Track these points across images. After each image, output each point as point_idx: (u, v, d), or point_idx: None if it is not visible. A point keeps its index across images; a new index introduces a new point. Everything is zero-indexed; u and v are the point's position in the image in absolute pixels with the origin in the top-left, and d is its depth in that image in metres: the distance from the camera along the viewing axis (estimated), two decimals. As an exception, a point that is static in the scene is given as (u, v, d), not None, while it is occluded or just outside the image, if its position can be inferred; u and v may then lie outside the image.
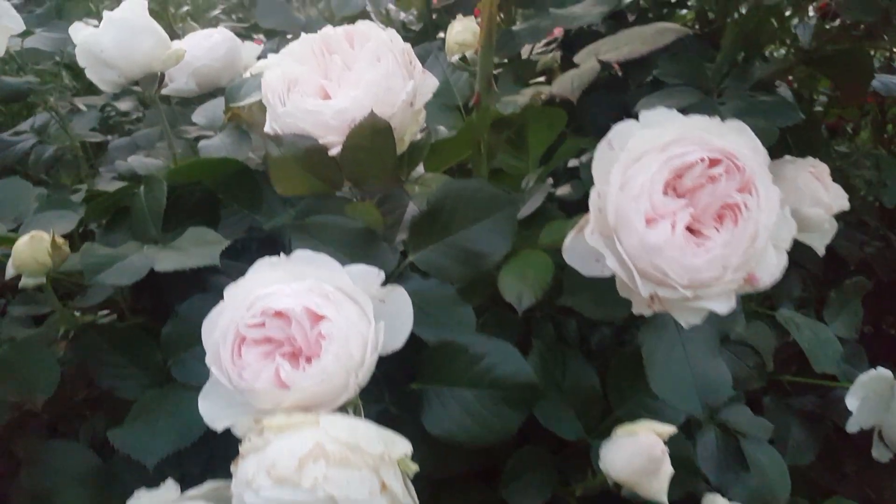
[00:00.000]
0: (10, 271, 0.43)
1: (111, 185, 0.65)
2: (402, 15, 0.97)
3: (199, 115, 0.64)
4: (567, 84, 0.43)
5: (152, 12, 1.12)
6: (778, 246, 0.40)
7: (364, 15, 0.92)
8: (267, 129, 0.48)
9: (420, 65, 0.48)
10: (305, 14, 1.06)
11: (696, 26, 0.85)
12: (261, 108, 0.60)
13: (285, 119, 0.46)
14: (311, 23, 1.05)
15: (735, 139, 0.40)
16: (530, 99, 0.46)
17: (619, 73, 0.84)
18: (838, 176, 0.67)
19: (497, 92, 0.48)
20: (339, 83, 0.47)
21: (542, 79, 0.96)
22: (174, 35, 1.07)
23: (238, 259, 0.54)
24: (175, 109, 0.80)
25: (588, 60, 0.45)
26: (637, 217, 0.38)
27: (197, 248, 0.50)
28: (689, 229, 0.39)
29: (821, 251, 0.61)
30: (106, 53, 0.54)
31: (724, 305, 0.39)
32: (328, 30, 0.48)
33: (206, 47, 0.73)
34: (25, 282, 0.43)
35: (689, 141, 0.39)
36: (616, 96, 0.81)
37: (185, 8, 1.18)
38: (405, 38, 0.88)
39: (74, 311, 0.55)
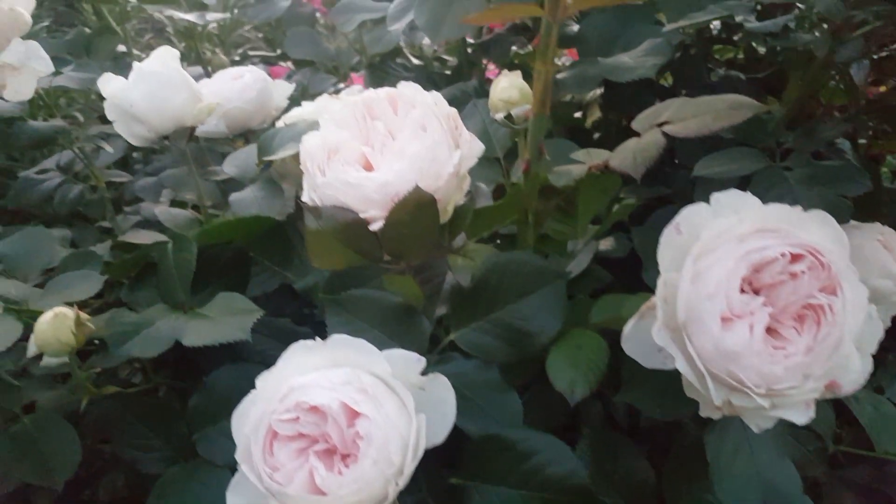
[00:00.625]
0: (31, 349, 0.41)
1: (137, 235, 0.63)
2: (436, 47, 0.95)
3: (231, 165, 0.61)
4: (629, 159, 0.40)
5: (179, 33, 1.12)
6: (863, 349, 0.36)
7: (397, 50, 0.90)
8: (305, 197, 0.45)
9: (466, 130, 0.45)
10: (336, 45, 1.04)
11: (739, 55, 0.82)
12: (294, 159, 0.58)
13: (325, 190, 0.43)
14: (341, 54, 1.03)
15: (818, 231, 0.36)
16: (586, 172, 0.43)
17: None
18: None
19: (548, 159, 0.45)
20: (381, 152, 0.44)
21: (578, 114, 0.93)
22: (202, 63, 1.06)
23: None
24: (202, 145, 0.79)
25: (651, 133, 0.41)
26: (711, 318, 0.35)
27: (228, 319, 0.47)
28: (767, 329, 0.35)
29: (886, 323, 0.57)
30: (136, 108, 0.52)
31: (802, 415, 0.35)
32: (371, 93, 0.46)
33: (237, 89, 0.71)
34: (48, 361, 0.40)
35: (770, 233, 0.36)
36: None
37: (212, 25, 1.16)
38: (439, 74, 0.86)
39: (94, 371, 0.53)
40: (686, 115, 0.41)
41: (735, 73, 0.73)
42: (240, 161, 0.62)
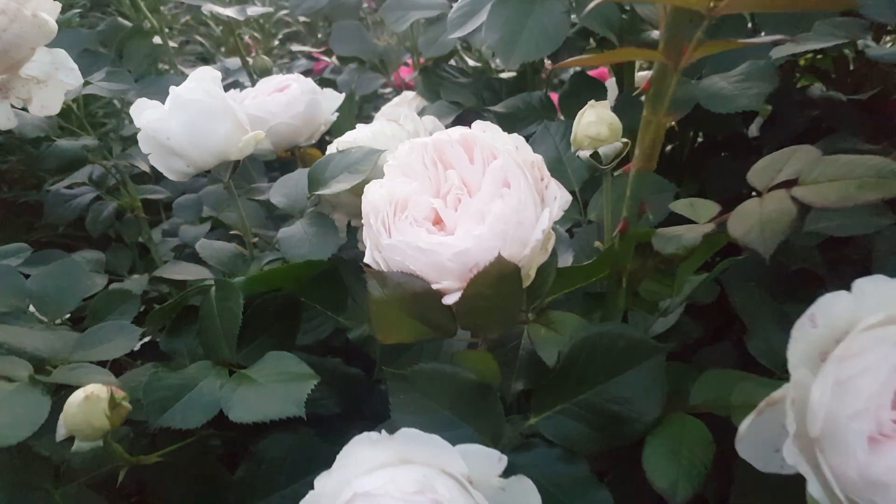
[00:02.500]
0: (61, 432, 0.38)
1: (177, 269, 0.60)
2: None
3: (279, 195, 0.57)
4: (755, 232, 0.35)
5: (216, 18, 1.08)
6: None
7: (453, 53, 0.84)
8: (368, 257, 0.41)
9: (553, 181, 0.40)
10: (384, 41, 0.99)
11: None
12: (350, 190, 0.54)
13: (391, 253, 0.39)
14: (389, 51, 0.98)
15: None
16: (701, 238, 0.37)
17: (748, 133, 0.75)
18: None
19: (650, 217, 0.40)
20: (455, 208, 0.39)
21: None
22: (240, 55, 1.02)
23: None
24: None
25: (778, 198, 0.36)
26: (857, 439, 0.30)
27: (279, 386, 0.44)
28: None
29: None
30: (173, 141, 0.48)
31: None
32: (442, 137, 0.41)
33: (283, 103, 0.67)
34: (80, 446, 0.37)
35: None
36: (744, 163, 0.71)
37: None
38: (499, 80, 0.81)
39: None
40: (820, 177, 0.36)
41: (835, 95, 0.66)
42: (288, 190, 0.58)
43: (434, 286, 0.38)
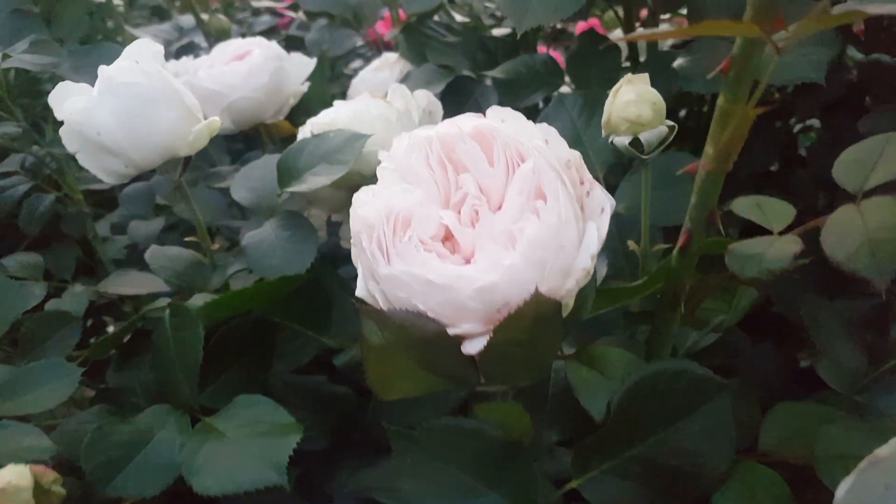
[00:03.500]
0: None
1: (126, 281, 0.51)
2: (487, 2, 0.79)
3: (242, 190, 0.48)
4: (863, 256, 0.27)
5: None
6: None
7: (440, 7, 0.74)
8: (361, 289, 0.32)
9: (596, 184, 0.31)
10: (358, -7, 0.87)
11: None
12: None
13: (392, 287, 0.30)
14: (364, 4, 0.87)
15: None
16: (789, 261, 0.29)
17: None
18: None
19: (720, 230, 0.31)
20: (472, 223, 0.31)
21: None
22: (194, 13, 0.90)
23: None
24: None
25: (887, 210, 0.28)
26: None
27: (254, 444, 0.36)
28: None
29: None
30: (106, 136, 0.38)
31: None
32: (450, 129, 0.32)
33: (244, 73, 0.56)
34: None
35: None
36: (770, 133, 0.63)
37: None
38: (494, 39, 0.71)
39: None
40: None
41: (878, 57, 0.58)
42: (254, 183, 0.49)
43: (450, 330, 0.29)
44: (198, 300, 0.44)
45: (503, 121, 0.33)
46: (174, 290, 0.49)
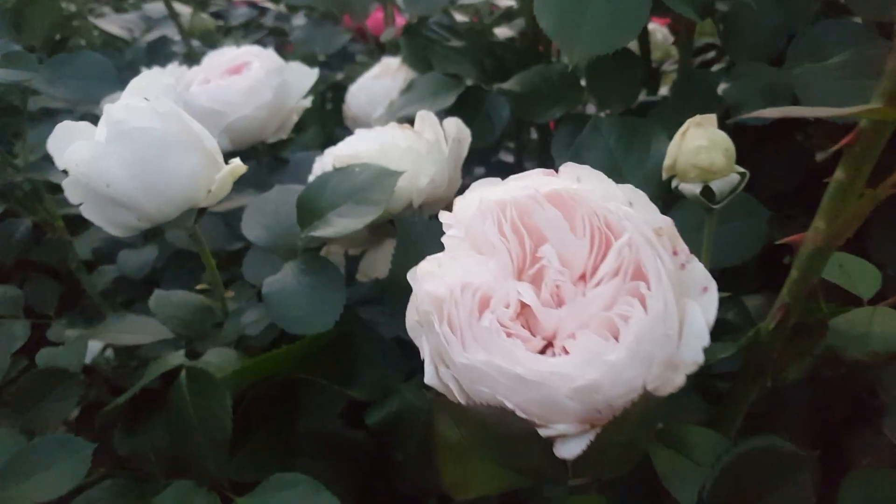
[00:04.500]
0: None
1: (125, 327, 0.46)
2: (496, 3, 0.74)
3: (256, 228, 0.43)
4: None
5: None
6: None
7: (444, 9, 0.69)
8: (430, 377, 0.28)
9: (693, 258, 0.28)
10: (348, -13, 0.82)
11: None
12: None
13: (472, 381, 0.26)
14: (356, 1, 0.81)
15: None
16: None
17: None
18: None
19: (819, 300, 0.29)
20: (555, 301, 0.27)
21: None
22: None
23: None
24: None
25: None
26: None
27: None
28: None
29: None
30: (116, 189, 0.33)
31: None
32: (525, 192, 0.28)
33: (245, 90, 0.52)
34: None
35: None
36: (792, 148, 0.60)
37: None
38: (503, 46, 0.67)
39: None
40: None
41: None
42: (268, 220, 0.44)
43: (543, 431, 0.26)
44: (213, 356, 0.40)
45: (579, 179, 0.30)
46: (180, 338, 0.44)
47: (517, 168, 0.75)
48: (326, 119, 0.70)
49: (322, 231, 0.40)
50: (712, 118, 0.35)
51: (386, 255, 0.51)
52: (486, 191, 0.30)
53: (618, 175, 0.46)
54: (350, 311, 0.44)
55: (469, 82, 0.63)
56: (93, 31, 0.87)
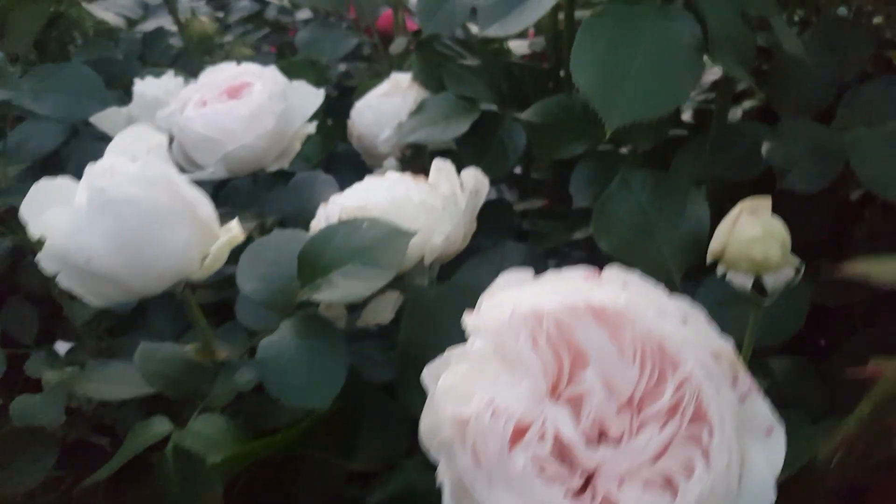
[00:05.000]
0: None
1: (102, 376, 0.42)
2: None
3: (252, 280, 0.39)
4: None
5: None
6: None
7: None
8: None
9: (754, 387, 0.24)
10: (355, -11, 0.77)
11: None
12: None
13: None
14: (364, 3, 0.77)
15: None
16: None
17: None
18: None
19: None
20: (600, 431, 0.24)
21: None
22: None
23: None
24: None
25: None
26: None
27: None
28: None
29: None
30: (98, 263, 0.29)
31: None
32: (565, 304, 0.25)
33: (245, 117, 0.47)
34: None
35: None
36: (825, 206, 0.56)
37: None
38: (519, 66, 0.62)
39: None
40: None
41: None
42: (265, 269, 0.40)
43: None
44: (202, 425, 0.37)
45: (626, 286, 0.26)
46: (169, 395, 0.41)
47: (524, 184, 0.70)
48: (328, 132, 0.66)
49: (325, 294, 0.36)
50: (767, 203, 0.32)
51: (390, 300, 0.48)
52: (519, 296, 0.26)
53: (647, 236, 0.42)
54: (352, 376, 0.41)
55: (483, 106, 0.58)
56: (86, 20, 0.82)
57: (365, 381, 0.41)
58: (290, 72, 0.72)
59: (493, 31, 0.45)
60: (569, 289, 0.26)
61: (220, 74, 0.51)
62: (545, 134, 0.54)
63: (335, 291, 0.36)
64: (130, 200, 0.29)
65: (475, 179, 0.41)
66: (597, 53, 0.34)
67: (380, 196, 0.39)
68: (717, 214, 0.34)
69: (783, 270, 0.31)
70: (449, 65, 0.61)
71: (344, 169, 0.70)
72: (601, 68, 0.34)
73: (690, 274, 0.42)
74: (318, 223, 0.42)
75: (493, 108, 0.58)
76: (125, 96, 0.68)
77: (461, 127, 0.56)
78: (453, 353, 0.27)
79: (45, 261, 0.30)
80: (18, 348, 0.50)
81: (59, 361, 0.49)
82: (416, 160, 0.65)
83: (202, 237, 0.31)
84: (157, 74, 0.65)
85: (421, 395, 0.28)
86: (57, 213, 0.29)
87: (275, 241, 0.42)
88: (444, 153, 0.59)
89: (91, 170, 0.30)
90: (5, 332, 0.51)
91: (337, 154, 0.68)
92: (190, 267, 0.31)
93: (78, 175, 0.33)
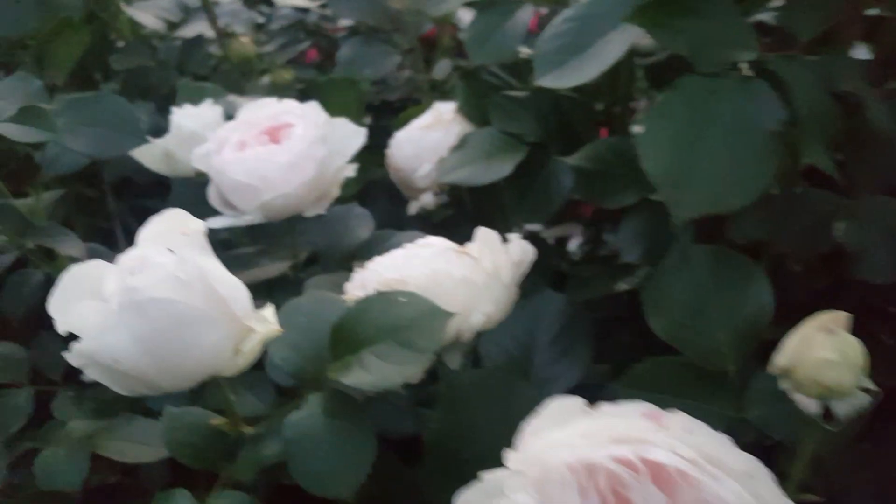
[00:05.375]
0: None
1: (124, 435, 0.41)
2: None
3: (281, 348, 0.37)
4: None
5: None
6: None
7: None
8: None
9: None
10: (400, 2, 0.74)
11: None
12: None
13: None
14: (401, 15, 0.74)
15: None
16: None
17: None
18: None
19: None
20: None
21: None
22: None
23: None
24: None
25: None
26: None
27: None
28: None
29: None
30: (126, 364, 0.27)
31: None
32: (618, 458, 0.23)
33: (284, 166, 0.45)
34: None
35: None
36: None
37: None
38: (571, 101, 0.59)
39: None
40: None
41: None
42: (297, 337, 0.38)
43: None
44: (224, 502, 0.35)
45: (689, 435, 0.23)
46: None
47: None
48: (365, 161, 0.63)
49: (355, 378, 0.34)
50: (846, 320, 0.28)
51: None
52: (568, 440, 0.24)
53: (703, 317, 0.39)
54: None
55: (529, 140, 0.55)
56: (125, 25, 0.80)
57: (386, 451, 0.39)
58: (331, 91, 0.70)
59: (548, 83, 0.43)
60: (625, 433, 0.23)
61: (261, 112, 0.49)
62: (594, 181, 0.51)
63: (366, 377, 0.34)
64: (163, 302, 0.27)
65: (522, 252, 0.38)
66: (667, 136, 0.31)
67: (419, 269, 0.37)
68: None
69: (856, 397, 0.28)
70: (495, 97, 0.58)
71: (380, 198, 0.68)
72: (670, 153, 0.31)
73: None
74: (352, 288, 0.40)
75: (540, 145, 0.55)
76: (163, 106, 0.67)
77: (504, 168, 0.53)
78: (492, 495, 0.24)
79: (73, 358, 0.28)
80: (47, 385, 0.50)
81: (86, 401, 0.48)
82: (453, 193, 0.63)
83: (236, 335, 0.29)
84: (195, 94, 0.64)
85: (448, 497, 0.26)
86: (86, 311, 0.27)
87: (308, 305, 0.40)
88: (486, 187, 0.57)
89: (124, 271, 0.27)
90: (35, 367, 0.50)
91: (373, 181, 0.66)
92: (220, 364, 0.29)
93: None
